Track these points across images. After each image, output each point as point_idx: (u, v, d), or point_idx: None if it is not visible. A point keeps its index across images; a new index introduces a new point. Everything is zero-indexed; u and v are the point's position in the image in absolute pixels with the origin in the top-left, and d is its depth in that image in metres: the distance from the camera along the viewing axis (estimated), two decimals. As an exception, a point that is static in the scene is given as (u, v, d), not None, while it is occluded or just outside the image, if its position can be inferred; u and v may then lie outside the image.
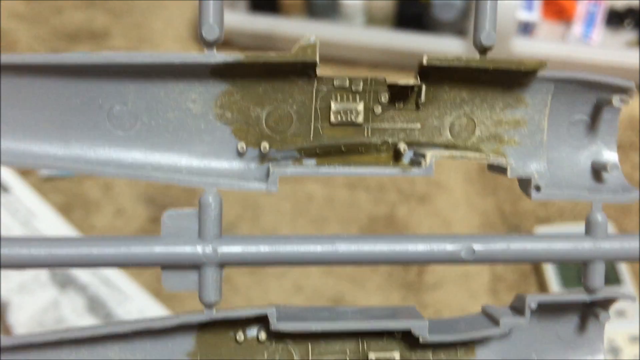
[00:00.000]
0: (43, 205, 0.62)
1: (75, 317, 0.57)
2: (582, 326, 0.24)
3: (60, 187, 0.64)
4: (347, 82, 0.21)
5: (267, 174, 0.20)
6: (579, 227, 0.23)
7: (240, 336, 0.22)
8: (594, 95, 0.22)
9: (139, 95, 0.20)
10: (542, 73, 0.21)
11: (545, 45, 0.69)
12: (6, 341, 0.20)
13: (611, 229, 0.59)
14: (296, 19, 0.71)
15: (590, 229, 0.22)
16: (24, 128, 0.20)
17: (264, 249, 0.20)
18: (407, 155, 0.21)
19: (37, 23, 0.73)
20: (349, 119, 0.21)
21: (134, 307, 0.57)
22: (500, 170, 0.22)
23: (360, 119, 0.21)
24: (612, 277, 0.57)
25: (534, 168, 0.22)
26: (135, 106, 0.20)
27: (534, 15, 0.71)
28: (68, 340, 0.21)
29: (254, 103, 0.21)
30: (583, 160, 0.23)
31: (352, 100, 0.21)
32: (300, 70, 0.20)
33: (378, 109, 0.21)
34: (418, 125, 0.22)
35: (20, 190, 0.62)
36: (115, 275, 0.58)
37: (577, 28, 0.70)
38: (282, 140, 0.21)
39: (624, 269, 0.58)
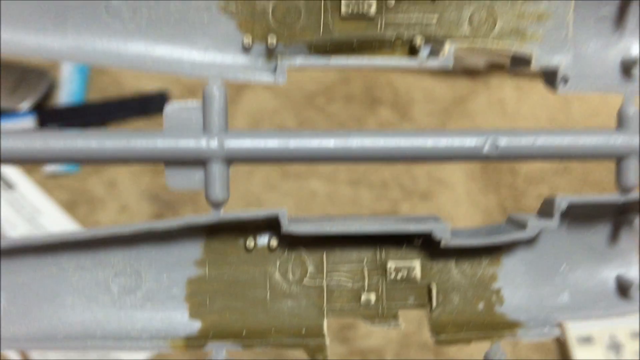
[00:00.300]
0: (48, 202, 0.62)
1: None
2: (614, 236, 0.22)
3: (65, 184, 0.64)
4: None
5: (275, 68, 0.19)
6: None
7: (250, 243, 0.20)
8: None
9: None
10: None
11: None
12: (3, 243, 0.19)
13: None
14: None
15: (622, 123, 0.21)
16: (19, 19, 0.19)
17: (273, 143, 0.19)
18: (424, 51, 0.20)
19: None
20: (360, 11, 0.20)
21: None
22: (524, 63, 0.20)
23: (373, 10, 0.20)
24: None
25: (559, 60, 0.21)
26: None
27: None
28: (69, 244, 0.20)
29: None
30: (611, 57, 0.21)
31: None
32: None
33: (392, 1, 0.20)
34: (434, 18, 0.20)
35: (25, 187, 0.62)
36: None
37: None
38: (290, 34, 0.20)
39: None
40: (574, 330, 0.54)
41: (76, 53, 0.19)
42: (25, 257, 0.20)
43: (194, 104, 0.19)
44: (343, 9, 0.20)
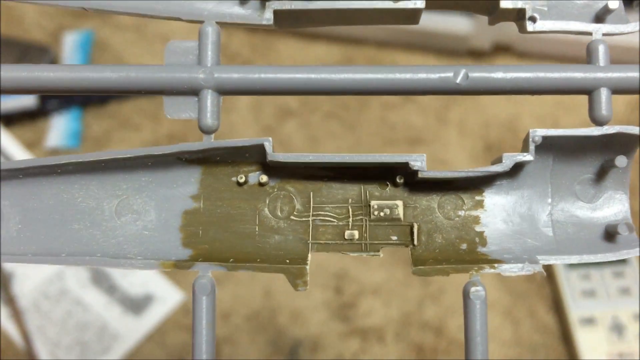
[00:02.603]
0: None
1: (79, 288, 0.57)
2: (599, 180, 0.22)
3: (66, 160, 0.64)
4: None
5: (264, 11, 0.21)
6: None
7: (241, 178, 0.22)
8: None
9: None
10: None
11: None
12: (6, 165, 0.22)
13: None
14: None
15: (591, 58, 0.21)
16: None
17: (259, 75, 0.21)
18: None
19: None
20: None
21: (137, 279, 0.57)
22: (494, 8, 0.21)
23: None
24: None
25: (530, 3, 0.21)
26: None
27: (543, -6, 0.70)
28: (78, 165, 0.22)
29: None
30: (585, 6, 0.22)
31: None
32: None
33: None
34: None
35: (26, 163, 0.62)
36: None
37: None
38: None
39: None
40: (577, 311, 0.54)
41: (94, 3, 0.22)
42: (38, 179, 0.22)
43: (191, 42, 0.22)
44: None
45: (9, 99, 0.61)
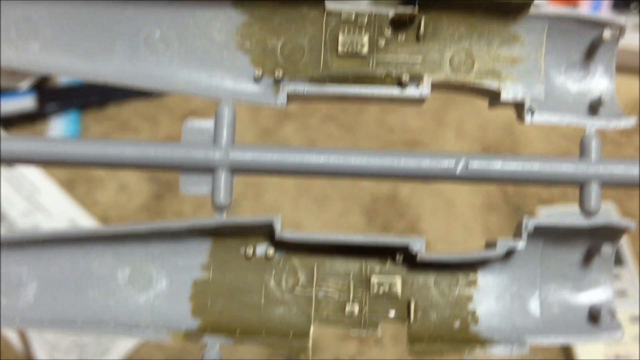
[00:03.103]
0: (47, 181, 0.62)
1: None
2: (587, 263, 0.24)
3: (64, 162, 0.64)
4: (354, 16, 0.23)
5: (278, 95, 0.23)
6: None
7: (249, 251, 0.23)
8: (589, 35, 0.23)
9: (172, 23, 0.23)
10: (535, 10, 0.23)
11: (551, 27, 0.69)
12: (26, 235, 0.23)
13: (614, 210, 0.59)
14: None
15: (584, 152, 0.23)
16: (74, 46, 0.23)
17: (272, 157, 0.23)
18: (410, 86, 0.23)
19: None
20: (354, 51, 0.23)
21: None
22: (496, 98, 0.23)
23: (365, 50, 0.23)
24: (614, 259, 0.57)
25: (529, 95, 0.23)
26: (168, 33, 0.23)
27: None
28: (95, 237, 0.23)
29: (270, 34, 0.23)
30: (580, 97, 0.24)
31: (358, 33, 0.23)
32: (311, 3, 0.23)
33: (382, 42, 0.23)
34: (419, 59, 0.23)
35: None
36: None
37: (584, 11, 0.70)
38: (295, 69, 0.23)
39: (626, 251, 0.58)
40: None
41: (118, 76, 0.23)
42: (57, 248, 0.23)
43: (208, 121, 0.23)
44: (340, 48, 0.23)
45: (7, 101, 0.61)
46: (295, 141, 0.64)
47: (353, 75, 0.23)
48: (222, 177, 0.22)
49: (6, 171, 0.61)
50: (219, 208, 0.22)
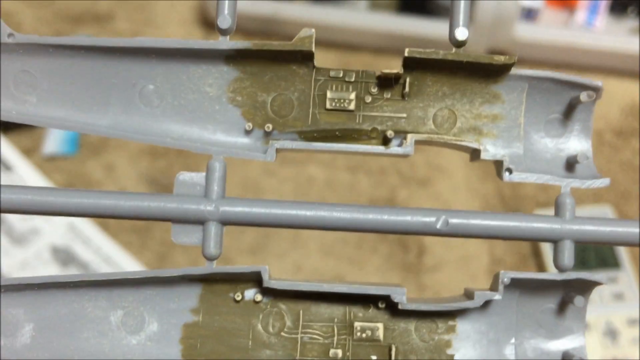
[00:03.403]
0: (46, 185, 0.62)
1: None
2: (561, 312, 0.25)
3: (63, 166, 0.64)
4: (342, 73, 0.24)
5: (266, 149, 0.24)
6: (578, 211, 0.25)
7: (238, 296, 0.24)
8: (567, 95, 0.24)
9: (166, 78, 0.24)
10: (515, 71, 0.24)
11: (548, 31, 0.69)
12: (24, 280, 0.24)
13: (610, 214, 0.59)
14: (300, 2, 0.71)
15: (558, 211, 0.24)
16: (71, 99, 0.24)
17: (260, 210, 0.24)
18: (394, 142, 0.24)
19: (41, 5, 0.74)
20: (342, 106, 0.24)
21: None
22: (477, 155, 0.24)
23: (352, 106, 0.24)
24: (611, 262, 0.58)
25: (507, 153, 0.24)
26: (162, 87, 0.24)
27: (537, 1, 0.70)
28: (90, 283, 0.24)
29: (261, 89, 0.24)
30: (558, 154, 0.25)
31: (346, 89, 0.24)
32: (300, 60, 0.24)
33: (368, 98, 0.24)
34: (404, 115, 0.24)
35: (23, 169, 0.62)
36: (116, 253, 0.59)
37: (581, 15, 0.71)
38: (284, 123, 0.24)
39: (623, 254, 0.58)
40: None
41: (113, 129, 0.24)
42: (53, 292, 0.24)
43: (199, 174, 0.24)
44: (328, 104, 0.24)
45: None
46: (287, 159, 0.64)
47: (340, 129, 0.24)
48: (213, 229, 0.23)
49: (5, 175, 0.61)
50: (209, 258, 0.24)
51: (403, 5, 0.71)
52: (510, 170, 0.24)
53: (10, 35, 0.23)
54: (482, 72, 0.24)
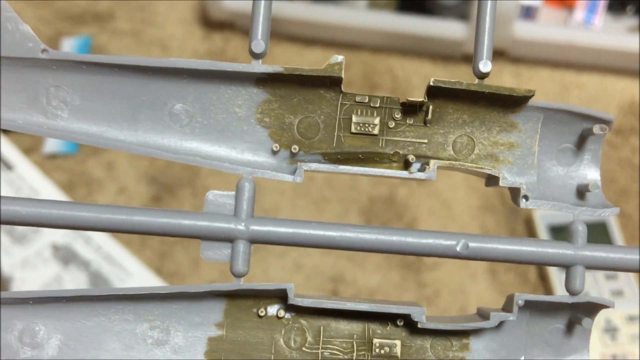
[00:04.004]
0: (46, 183, 0.62)
1: (77, 293, 0.57)
2: (568, 332, 0.26)
3: (63, 165, 0.64)
4: (367, 98, 0.25)
5: (295, 169, 0.25)
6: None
7: (262, 311, 0.25)
8: (579, 126, 0.25)
9: (196, 98, 0.25)
10: (532, 102, 0.25)
11: (547, 29, 0.70)
12: (51, 293, 0.24)
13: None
14: (299, 1, 0.71)
15: (572, 238, 0.25)
16: (102, 116, 0.25)
17: (287, 230, 0.24)
18: (415, 165, 0.25)
19: (42, 4, 0.74)
20: (366, 130, 0.25)
21: (135, 283, 0.58)
22: (495, 181, 0.25)
23: (376, 131, 0.25)
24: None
25: (524, 181, 0.26)
26: (192, 107, 0.25)
27: (536, 0, 0.70)
28: (117, 296, 0.25)
29: (289, 112, 0.25)
30: (569, 181, 0.26)
31: (370, 114, 0.25)
32: (328, 85, 0.25)
33: (392, 124, 0.25)
34: (425, 141, 0.25)
35: (24, 167, 0.62)
36: (117, 252, 0.59)
37: (579, 13, 0.71)
38: (310, 145, 0.25)
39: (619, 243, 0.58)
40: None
41: (143, 146, 0.25)
42: (79, 304, 0.25)
43: (229, 194, 0.25)
44: (353, 127, 0.25)
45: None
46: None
47: (363, 152, 0.25)
48: (241, 247, 0.24)
49: (6, 173, 0.61)
50: (236, 275, 0.24)
51: (402, 5, 0.72)
52: (527, 197, 0.25)
53: (44, 50, 0.24)
54: (502, 102, 0.25)
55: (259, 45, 0.24)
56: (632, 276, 0.57)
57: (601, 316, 0.55)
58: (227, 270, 0.62)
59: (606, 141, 0.68)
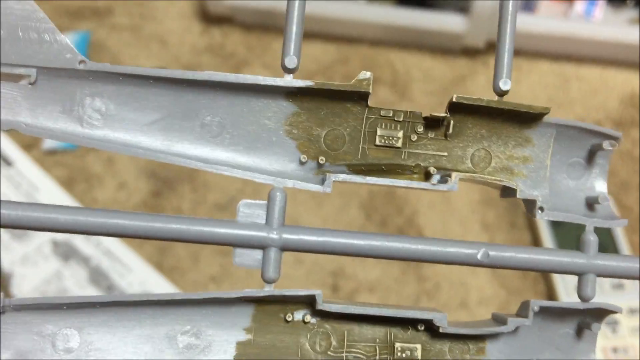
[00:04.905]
0: (46, 179, 0.62)
1: (78, 288, 0.57)
2: (577, 336, 0.27)
3: (63, 161, 0.64)
4: (391, 113, 0.26)
5: (323, 179, 0.26)
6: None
7: (289, 316, 0.26)
8: (589, 142, 0.27)
9: (228, 110, 0.26)
10: (546, 118, 0.26)
11: (547, 22, 0.69)
12: (86, 299, 0.25)
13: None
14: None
15: (584, 247, 0.27)
16: (136, 126, 0.26)
17: (318, 239, 0.26)
18: (435, 177, 0.27)
19: (40, 0, 0.73)
20: (390, 143, 0.26)
21: (135, 278, 0.58)
22: (511, 193, 0.27)
23: (399, 143, 0.26)
24: (611, 252, 0.57)
25: (538, 193, 0.27)
26: (223, 119, 0.26)
27: (536, -8, 0.70)
28: (151, 302, 0.25)
29: (316, 124, 0.26)
30: (579, 194, 0.27)
31: (394, 128, 0.26)
32: (355, 99, 0.26)
33: (414, 137, 0.26)
34: (445, 154, 0.27)
35: (23, 163, 0.62)
36: (117, 247, 0.58)
37: (579, 5, 0.70)
38: (336, 156, 0.26)
39: (622, 244, 0.58)
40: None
41: (177, 157, 0.26)
42: (114, 310, 0.25)
43: (261, 203, 0.26)
44: (377, 140, 0.26)
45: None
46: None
47: (386, 164, 0.26)
48: (273, 255, 0.25)
49: (5, 169, 0.61)
50: (267, 282, 0.25)
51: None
52: (542, 209, 0.26)
53: (81, 62, 0.24)
54: (519, 118, 0.26)
55: (292, 61, 0.25)
56: (632, 269, 0.56)
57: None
58: (228, 265, 0.62)
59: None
